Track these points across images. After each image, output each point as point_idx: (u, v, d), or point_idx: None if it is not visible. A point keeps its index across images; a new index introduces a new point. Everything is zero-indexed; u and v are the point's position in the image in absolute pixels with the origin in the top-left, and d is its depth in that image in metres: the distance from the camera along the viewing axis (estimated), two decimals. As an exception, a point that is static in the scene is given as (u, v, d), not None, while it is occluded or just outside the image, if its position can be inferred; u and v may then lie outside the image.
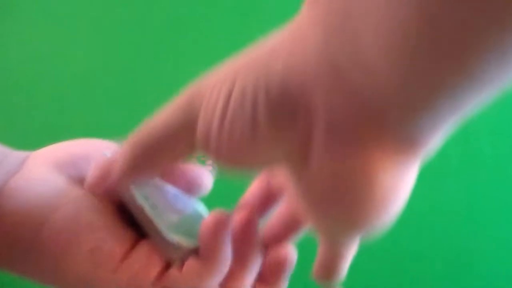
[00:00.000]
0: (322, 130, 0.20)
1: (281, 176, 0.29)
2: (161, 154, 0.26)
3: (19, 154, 0.29)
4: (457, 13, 0.14)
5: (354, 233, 0.23)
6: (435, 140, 0.20)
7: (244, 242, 0.28)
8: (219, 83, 0.22)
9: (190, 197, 0.31)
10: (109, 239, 0.27)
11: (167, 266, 0.28)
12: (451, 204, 0.90)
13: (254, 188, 0.30)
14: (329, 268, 0.27)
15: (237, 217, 0.28)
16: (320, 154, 0.20)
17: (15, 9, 0.90)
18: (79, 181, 0.28)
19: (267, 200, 0.30)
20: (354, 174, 0.20)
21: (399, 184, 0.20)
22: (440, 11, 0.14)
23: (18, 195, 0.27)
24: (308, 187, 0.21)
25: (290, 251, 0.29)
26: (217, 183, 0.32)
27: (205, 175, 0.31)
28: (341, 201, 0.21)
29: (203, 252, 0.27)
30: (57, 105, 0.90)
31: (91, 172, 0.28)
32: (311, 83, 0.19)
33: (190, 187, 0.30)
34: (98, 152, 0.30)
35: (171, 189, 0.30)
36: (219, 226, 0.27)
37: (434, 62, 0.16)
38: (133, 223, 0.29)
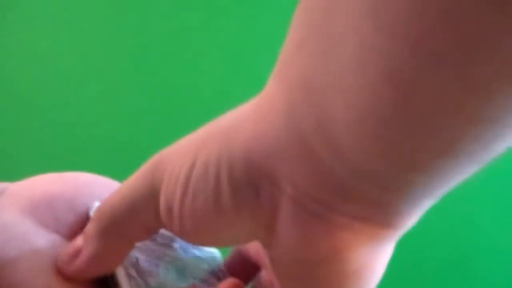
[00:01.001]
0: (288, 207, 0.18)
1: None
2: (128, 229, 0.24)
3: None
4: (433, 77, 0.13)
5: None
6: (413, 219, 0.18)
7: None
8: (181, 156, 0.21)
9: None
10: None
11: None
12: (450, 204, 0.90)
13: (232, 255, 0.29)
14: None
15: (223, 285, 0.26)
16: (286, 230, 0.19)
17: (15, 9, 0.90)
18: (53, 227, 0.25)
19: (247, 267, 0.28)
20: (322, 252, 0.18)
21: (371, 264, 0.19)
22: (411, 80, 0.13)
23: None
24: (276, 261, 0.21)
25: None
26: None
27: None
28: (307, 278, 0.20)
29: None
30: (57, 105, 0.89)
31: (61, 253, 0.25)
32: (276, 157, 0.18)
33: None
34: (89, 189, 0.27)
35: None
36: None
37: (408, 137, 0.14)
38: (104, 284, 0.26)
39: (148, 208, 0.22)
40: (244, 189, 0.19)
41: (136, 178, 0.23)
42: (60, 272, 0.24)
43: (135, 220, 0.23)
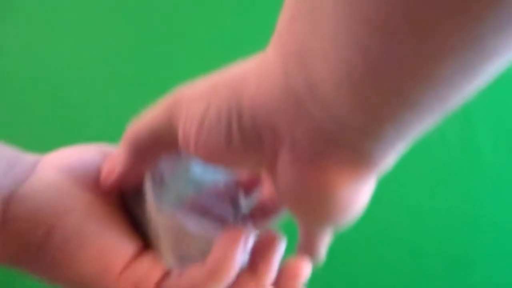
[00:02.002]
0: (286, 152, 0.23)
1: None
2: (150, 151, 0.29)
3: (29, 158, 0.31)
4: (390, 50, 0.17)
5: (319, 227, 0.27)
6: (388, 159, 0.22)
7: (265, 260, 0.29)
8: (196, 100, 0.25)
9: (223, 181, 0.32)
10: (114, 246, 0.28)
11: (168, 274, 0.29)
12: (451, 204, 0.90)
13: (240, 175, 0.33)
14: (307, 248, 0.30)
15: (265, 233, 0.30)
16: (285, 171, 0.24)
17: (15, 9, 0.90)
18: (87, 186, 0.30)
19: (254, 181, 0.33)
20: (314, 189, 0.23)
21: (355, 196, 0.24)
22: (375, 48, 0.17)
23: (29, 199, 0.28)
24: (278, 189, 0.25)
25: (306, 265, 0.30)
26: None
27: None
28: (304, 206, 0.24)
29: (210, 262, 0.28)
30: (57, 105, 0.90)
31: (103, 167, 0.31)
32: (275, 112, 0.22)
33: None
34: (106, 157, 0.31)
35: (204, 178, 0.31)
36: (236, 243, 0.28)
37: (376, 94, 0.18)
38: (139, 230, 0.30)
39: (166, 136, 0.27)
40: (250, 136, 0.23)
41: (157, 110, 0.28)
42: (101, 187, 0.30)
43: (156, 144, 0.28)
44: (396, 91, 0.18)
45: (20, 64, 0.91)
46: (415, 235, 0.90)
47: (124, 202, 0.31)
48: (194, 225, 0.30)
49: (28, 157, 0.31)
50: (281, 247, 0.30)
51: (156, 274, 0.28)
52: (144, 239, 0.30)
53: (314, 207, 0.24)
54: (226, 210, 0.32)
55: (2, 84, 0.90)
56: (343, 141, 0.21)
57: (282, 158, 0.23)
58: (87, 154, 0.32)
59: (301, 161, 0.23)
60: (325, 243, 0.30)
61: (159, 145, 0.28)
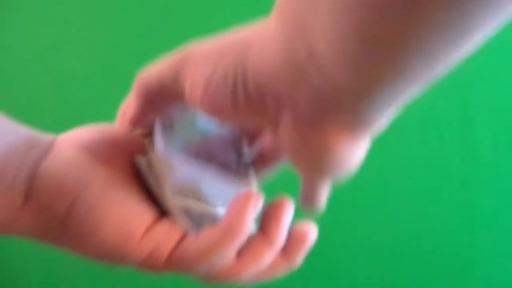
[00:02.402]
0: (288, 115, 0.25)
1: None
2: (158, 99, 0.31)
3: (46, 137, 0.33)
4: (382, 22, 0.18)
5: (319, 179, 0.29)
6: (381, 121, 0.25)
7: (275, 221, 0.31)
8: (203, 61, 0.27)
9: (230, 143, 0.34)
10: (134, 214, 0.30)
11: (185, 237, 0.31)
12: (450, 204, 0.90)
13: None
14: (308, 197, 0.31)
15: (275, 198, 0.32)
16: (287, 132, 0.26)
17: (16, 9, 0.90)
18: (103, 161, 0.31)
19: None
20: (314, 148, 0.26)
21: (350, 154, 0.26)
22: (368, 21, 0.19)
23: (52, 174, 0.30)
24: (279, 145, 0.27)
25: (312, 229, 0.33)
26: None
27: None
28: (304, 162, 0.27)
29: (224, 221, 0.30)
30: (58, 105, 0.90)
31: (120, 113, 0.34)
32: (278, 79, 0.24)
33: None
34: (119, 136, 0.34)
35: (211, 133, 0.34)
36: (249, 202, 0.30)
37: (370, 62, 0.20)
38: (156, 201, 0.32)
39: (173, 90, 0.29)
40: (255, 99, 0.25)
41: (166, 63, 0.30)
42: (119, 128, 0.34)
43: (163, 94, 0.30)
44: (387, 60, 0.20)
45: (20, 64, 0.91)
46: (414, 235, 0.90)
47: (139, 176, 0.32)
48: (199, 169, 0.32)
49: (45, 136, 0.33)
50: (290, 211, 0.31)
51: (174, 237, 0.30)
52: (160, 208, 0.32)
53: (313, 163, 0.26)
54: (230, 157, 0.34)
55: (2, 84, 0.91)
56: (340, 105, 0.23)
57: (284, 120, 0.26)
58: (98, 133, 0.33)
59: (302, 123, 0.25)
60: (325, 192, 0.31)
61: (166, 96, 0.30)
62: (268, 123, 0.27)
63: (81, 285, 0.93)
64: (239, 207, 0.30)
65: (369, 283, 0.91)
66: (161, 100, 0.31)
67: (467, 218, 0.89)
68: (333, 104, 0.23)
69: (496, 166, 0.89)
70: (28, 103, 0.90)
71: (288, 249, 0.32)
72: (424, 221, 0.89)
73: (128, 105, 0.34)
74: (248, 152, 0.35)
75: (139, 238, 0.30)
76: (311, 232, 0.32)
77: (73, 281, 0.93)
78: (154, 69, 0.31)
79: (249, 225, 0.30)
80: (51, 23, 0.91)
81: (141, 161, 0.32)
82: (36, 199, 0.30)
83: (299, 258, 0.32)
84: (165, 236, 0.30)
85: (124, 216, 0.30)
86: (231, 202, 0.30)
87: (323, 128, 0.25)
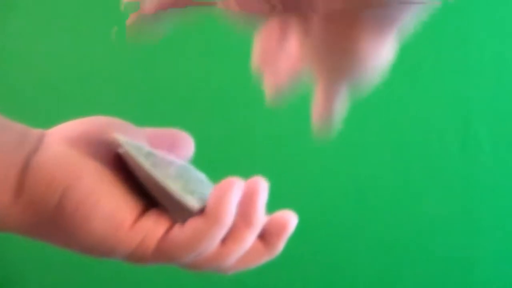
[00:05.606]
0: (321, 14, 0.27)
1: (284, 30, 0.35)
2: None
3: (36, 132, 0.33)
4: None
5: (343, 78, 0.30)
6: (404, 20, 0.27)
7: (251, 204, 0.31)
8: None
9: (184, 161, 0.34)
10: (123, 205, 0.31)
11: (172, 227, 0.31)
12: (450, 204, 0.90)
13: (262, 42, 0.36)
14: (324, 109, 0.32)
15: (248, 181, 0.32)
16: (319, 28, 0.28)
17: (16, 9, 0.90)
18: (94, 155, 0.32)
19: (274, 49, 0.36)
20: (344, 43, 0.28)
21: (376, 51, 0.28)
22: None
23: (43, 168, 0.30)
24: (310, 42, 0.29)
25: (293, 216, 0.33)
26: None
27: (187, 139, 0.36)
28: (334, 58, 0.29)
29: (208, 211, 0.30)
30: (58, 105, 0.90)
31: None
32: None
33: (173, 151, 0.35)
34: (110, 129, 0.33)
35: (166, 155, 0.34)
36: (230, 190, 0.30)
37: None
38: (144, 193, 0.32)
39: None
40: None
41: None
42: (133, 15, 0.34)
43: None
44: None
45: (20, 64, 0.91)
46: (414, 235, 0.90)
47: (126, 169, 0.33)
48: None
49: (35, 131, 0.33)
50: (265, 189, 0.32)
51: (161, 228, 0.31)
52: (148, 201, 0.32)
53: (339, 60, 0.29)
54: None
55: (2, 84, 0.91)
56: (366, 5, 0.26)
57: (316, 20, 0.28)
58: (88, 127, 0.33)
59: (332, 22, 0.27)
60: (340, 105, 0.32)
61: None
62: (302, 22, 0.28)
63: (81, 285, 0.93)
64: (221, 195, 0.30)
65: (369, 284, 0.91)
66: None
67: (467, 218, 0.89)
68: (360, 3, 0.26)
69: (496, 166, 0.89)
70: (28, 103, 0.90)
71: (269, 237, 0.32)
72: (424, 221, 0.89)
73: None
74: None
75: (128, 229, 0.30)
76: (292, 219, 0.33)
77: (73, 281, 0.93)
78: None
79: (233, 211, 0.30)
80: (51, 23, 0.91)
81: (129, 147, 0.32)
82: (27, 194, 0.30)
83: (280, 245, 0.33)
84: (153, 227, 0.31)
85: (113, 207, 0.30)
86: (213, 190, 0.31)
87: (352, 24, 0.27)
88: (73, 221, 0.30)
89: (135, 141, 0.33)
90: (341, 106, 0.32)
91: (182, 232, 0.30)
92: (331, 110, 0.32)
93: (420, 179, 0.89)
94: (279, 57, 0.35)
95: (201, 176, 0.34)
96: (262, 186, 0.31)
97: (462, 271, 0.90)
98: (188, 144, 0.36)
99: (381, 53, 0.29)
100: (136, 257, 0.31)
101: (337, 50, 0.28)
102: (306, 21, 0.29)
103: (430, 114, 0.88)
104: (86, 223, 0.30)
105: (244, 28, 0.30)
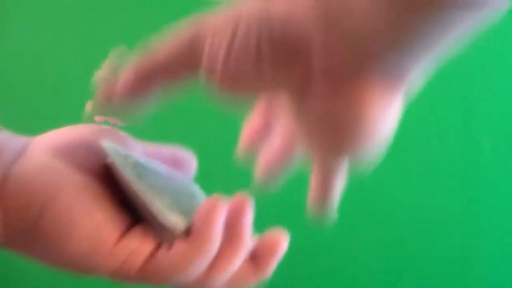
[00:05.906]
0: (320, 71, 0.24)
1: (276, 108, 0.32)
2: (163, 76, 0.29)
3: (19, 140, 0.31)
4: None
5: (343, 155, 0.28)
6: (414, 77, 0.24)
7: (237, 224, 0.29)
8: (220, 28, 0.26)
9: (181, 174, 0.33)
10: (105, 224, 0.29)
11: (158, 248, 0.30)
12: (450, 204, 0.90)
13: (252, 121, 0.34)
14: (321, 190, 0.30)
15: (233, 200, 0.30)
16: (318, 91, 0.25)
17: (16, 9, 0.90)
18: (78, 166, 0.30)
19: (264, 130, 0.34)
20: (347, 108, 0.24)
21: (384, 116, 0.25)
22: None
23: (22, 180, 0.29)
24: (306, 115, 0.26)
25: (284, 238, 0.31)
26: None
27: (190, 158, 0.34)
28: (334, 129, 0.26)
29: (194, 234, 0.29)
30: (58, 105, 0.90)
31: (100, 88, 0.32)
32: (310, 31, 0.23)
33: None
34: (97, 137, 0.32)
35: (158, 165, 0.32)
36: (215, 211, 0.29)
37: (406, 11, 0.20)
38: (129, 207, 0.30)
39: (186, 63, 0.27)
40: (282, 50, 0.24)
41: (179, 37, 0.28)
42: (103, 96, 0.31)
43: (166, 71, 0.28)
44: (422, 7, 0.20)
45: (20, 64, 0.91)
46: (414, 234, 0.90)
47: (114, 181, 0.31)
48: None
49: (18, 139, 0.31)
50: (250, 208, 0.30)
51: (146, 247, 0.29)
52: (134, 215, 0.30)
53: (343, 130, 0.25)
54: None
55: (2, 84, 0.91)
56: (373, 53, 0.23)
57: (315, 80, 0.25)
58: (77, 135, 0.32)
59: (334, 81, 0.24)
60: (339, 184, 0.30)
61: (167, 72, 0.28)
62: (296, 85, 0.25)
63: (81, 285, 0.93)
64: (206, 218, 0.29)
65: (368, 282, 0.91)
66: (159, 80, 0.29)
67: (467, 218, 0.89)
68: (366, 53, 0.23)
69: (496, 166, 0.89)
70: (28, 103, 0.90)
71: (258, 259, 0.31)
72: (424, 221, 0.89)
73: (120, 77, 0.31)
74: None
75: (109, 248, 0.29)
76: (282, 241, 0.31)
77: (73, 281, 0.93)
78: (163, 45, 0.29)
79: (219, 235, 0.29)
80: (51, 23, 0.91)
81: (115, 156, 0.30)
82: (5, 205, 0.28)
83: (270, 268, 0.31)
84: (137, 246, 0.29)
85: (94, 226, 0.28)
86: (198, 213, 0.29)
87: (357, 85, 0.24)
88: (50, 238, 0.28)
89: (124, 150, 0.31)
90: (339, 185, 0.30)
91: (167, 256, 0.29)
92: (329, 196, 0.30)
93: (420, 179, 0.89)
94: (269, 138, 0.33)
95: (194, 188, 0.32)
96: (247, 205, 0.30)
97: (462, 271, 0.90)
98: (190, 164, 0.34)
99: (389, 117, 0.25)
100: (119, 276, 0.30)
101: (337, 121, 0.25)
102: (303, 84, 0.25)
103: (430, 114, 0.88)
104: (64, 242, 0.28)
105: (232, 107, 0.28)
